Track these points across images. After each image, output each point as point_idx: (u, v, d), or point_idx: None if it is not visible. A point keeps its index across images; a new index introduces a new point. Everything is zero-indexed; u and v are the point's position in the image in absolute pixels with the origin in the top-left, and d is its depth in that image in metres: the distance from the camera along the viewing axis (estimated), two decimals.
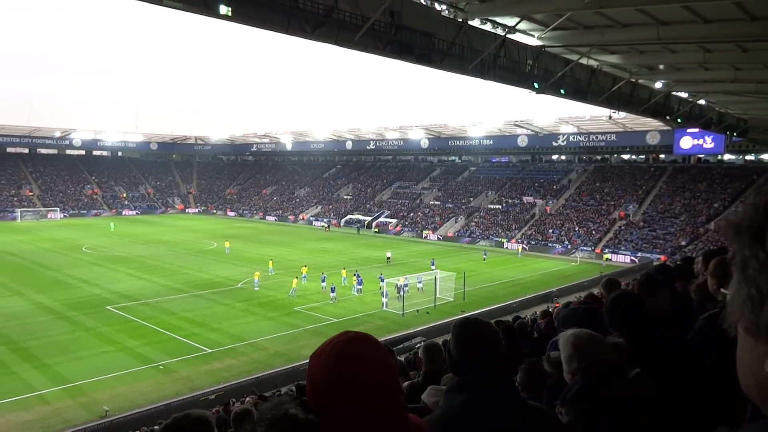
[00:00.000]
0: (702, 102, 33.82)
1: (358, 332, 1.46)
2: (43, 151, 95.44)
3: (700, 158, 67.24)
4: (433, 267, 42.53)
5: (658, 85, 28.77)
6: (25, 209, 79.63)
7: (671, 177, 65.62)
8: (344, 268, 40.28)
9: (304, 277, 38.56)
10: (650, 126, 59.16)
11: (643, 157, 72.53)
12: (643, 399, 2.32)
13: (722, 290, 3.52)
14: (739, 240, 0.80)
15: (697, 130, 50.26)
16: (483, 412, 1.91)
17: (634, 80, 27.22)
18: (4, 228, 68.51)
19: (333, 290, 34.36)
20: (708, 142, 57.81)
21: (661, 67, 24.85)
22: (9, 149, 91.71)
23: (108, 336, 26.91)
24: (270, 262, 43.02)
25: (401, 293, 33.34)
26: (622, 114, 41.26)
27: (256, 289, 36.39)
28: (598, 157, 75.43)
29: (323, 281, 35.95)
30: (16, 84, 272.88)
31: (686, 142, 59.18)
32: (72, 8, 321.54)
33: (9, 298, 33.31)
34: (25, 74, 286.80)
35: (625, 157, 74.85)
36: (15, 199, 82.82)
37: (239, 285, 38.33)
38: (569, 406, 2.38)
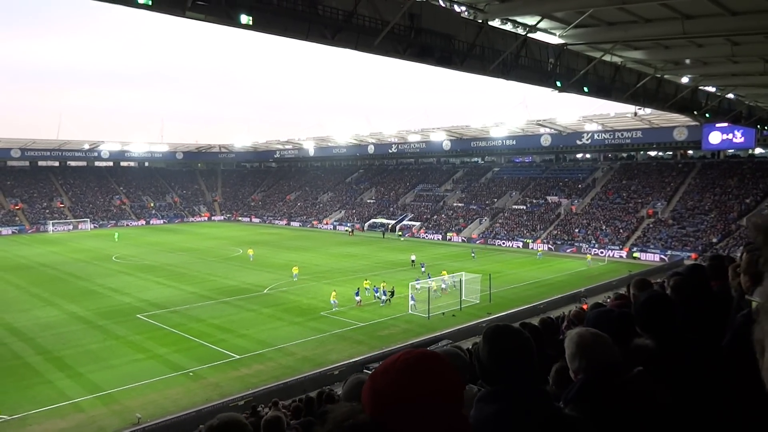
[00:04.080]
0: (731, 96, 33.07)
1: (425, 350, 1.48)
2: (73, 163, 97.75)
3: (729, 153, 65.75)
4: (423, 270, 42.31)
5: (685, 80, 28.22)
6: (56, 221, 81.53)
7: (700, 173, 64.27)
8: (366, 280, 38.18)
9: (368, 290, 36.24)
10: (677, 122, 58.09)
11: (671, 153, 71.22)
12: (644, 397, 2.31)
13: (747, 297, 3.41)
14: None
15: (726, 124, 49.20)
16: (516, 423, 1.86)
17: (659, 76, 26.74)
18: (38, 240, 70.25)
19: (357, 293, 34.53)
20: (738, 137, 56.54)
21: (688, 61, 24.37)
22: (40, 163, 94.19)
23: (139, 344, 27.34)
24: (295, 268, 43.02)
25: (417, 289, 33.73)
26: (648, 110, 40.60)
27: (335, 309, 33.15)
28: (624, 155, 74.28)
29: (357, 295, 34.66)
30: (45, 98, 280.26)
31: (715, 137, 57.94)
32: (96, 22, 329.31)
33: (43, 309, 34.08)
34: (54, 88, 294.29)
35: (652, 153, 73.55)
36: (47, 211, 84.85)
37: (265, 291, 38.62)
38: (572, 405, 2.38)
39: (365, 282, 36.80)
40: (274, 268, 46.64)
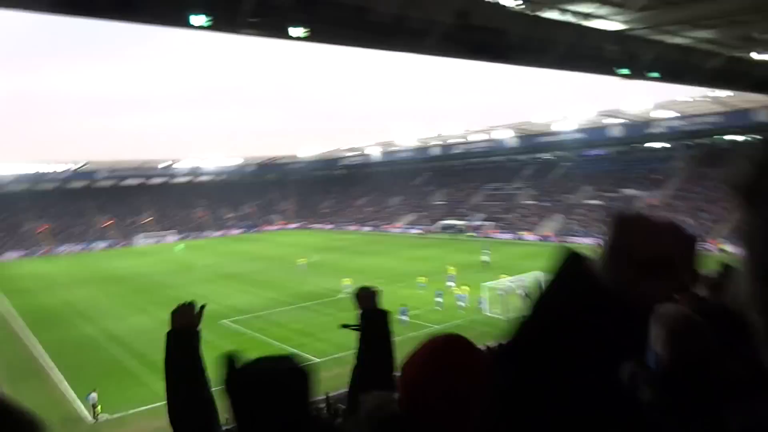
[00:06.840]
0: None
1: (449, 333, 1.48)
2: (154, 180, 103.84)
3: None
4: (451, 282, 39.06)
5: (766, 56, 26.61)
6: (145, 233, 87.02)
7: None
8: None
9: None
10: (763, 102, 54.54)
11: (756, 136, 66.79)
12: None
13: None
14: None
15: None
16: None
17: (734, 55, 25.41)
18: (128, 253, 75.00)
19: (440, 295, 34.17)
20: None
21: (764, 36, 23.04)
22: (125, 182, 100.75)
23: (225, 348, 28.31)
24: (347, 279, 39.40)
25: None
26: (726, 92, 38.51)
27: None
28: (703, 141, 70.38)
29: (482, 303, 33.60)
30: (126, 122, 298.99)
31: None
32: (167, 49, 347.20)
33: (137, 316, 36.41)
34: (130, 112, 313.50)
35: (736, 138, 69.25)
36: (134, 225, 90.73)
37: (340, 295, 39.42)
38: (652, 389, 2.19)
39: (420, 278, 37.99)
40: (348, 272, 47.50)
